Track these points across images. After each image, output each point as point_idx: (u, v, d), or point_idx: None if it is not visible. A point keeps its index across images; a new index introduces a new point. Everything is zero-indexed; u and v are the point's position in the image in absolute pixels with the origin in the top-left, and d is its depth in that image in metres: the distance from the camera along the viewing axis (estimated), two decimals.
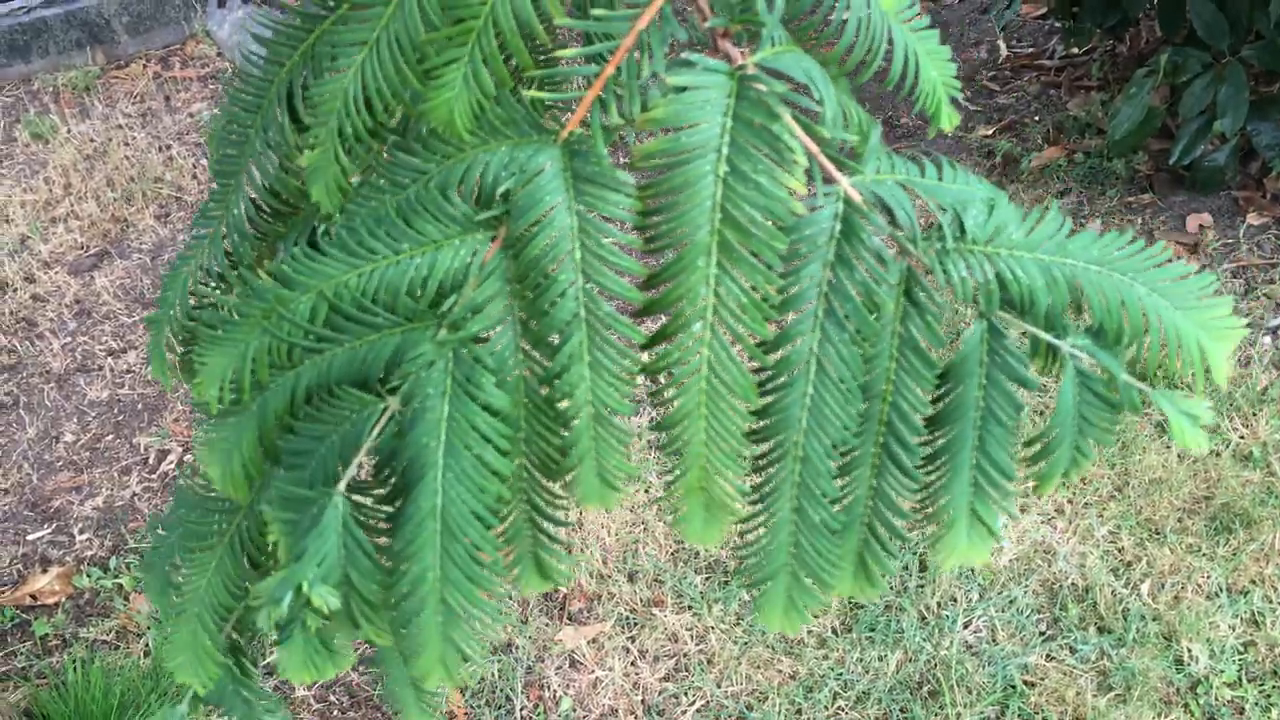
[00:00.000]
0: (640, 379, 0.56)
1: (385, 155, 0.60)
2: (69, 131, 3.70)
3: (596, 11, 0.55)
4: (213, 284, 0.74)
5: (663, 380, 0.55)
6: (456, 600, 0.56)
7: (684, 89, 0.54)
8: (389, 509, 0.57)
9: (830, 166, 0.59)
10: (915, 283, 0.60)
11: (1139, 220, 2.85)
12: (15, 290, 3.02)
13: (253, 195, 0.71)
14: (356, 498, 0.57)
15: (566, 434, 0.56)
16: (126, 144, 3.62)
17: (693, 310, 0.54)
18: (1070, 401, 0.63)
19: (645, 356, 0.56)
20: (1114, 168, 3.00)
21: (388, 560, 0.56)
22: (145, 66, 4.11)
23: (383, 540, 0.57)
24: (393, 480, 0.57)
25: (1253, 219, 2.80)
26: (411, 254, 0.56)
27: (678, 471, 0.56)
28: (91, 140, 3.65)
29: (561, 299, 0.54)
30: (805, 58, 0.58)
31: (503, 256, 0.56)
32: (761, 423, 0.58)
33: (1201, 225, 2.81)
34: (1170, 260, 0.64)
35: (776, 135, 0.54)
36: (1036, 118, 3.32)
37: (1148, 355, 0.63)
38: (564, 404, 0.55)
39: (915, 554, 2.08)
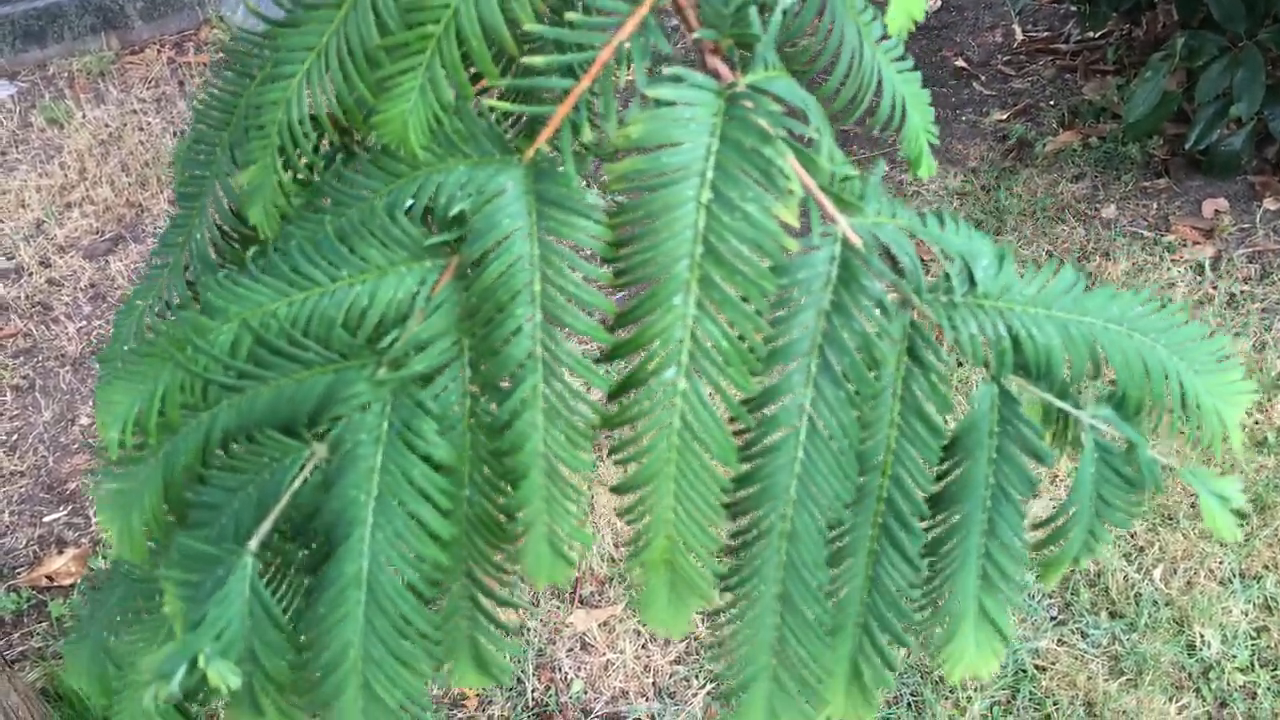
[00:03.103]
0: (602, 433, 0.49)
1: (328, 172, 0.53)
2: (84, 117, 3.69)
3: (572, 17, 0.49)
4: (171, 318, 0.67)
5: (628, 433, 0.48)
6: (382, 684, 0.48)
7: (666, 104, 0.48)
8: (308, 576, 0.49)
9: (828, 203, 0.52)
10: (920, 338, 0.54)
11: (1155, 205, 2.82)
12: (31, 275, 3.02)
13: (218, 220, 0.65)
14: (271, 557, 0.50)
15: (514, 493, 0.48)
16: (141, 129, 3.61)
17: (666, 354, 0.47)
18: (1088, 479, 0.56)
19: (610, 406, 0.49)
20: (1129, 152, 2.98)
21: (304, 633, 0.48)
22: (159, 51, 4.11)
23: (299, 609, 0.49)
24: (314, 540, 0.49)
25: (1269, 204, 2.78)
26: (350, 282, 0.49)
27: (640, 541, 0.48)
28: (106, 125, 3.65)
29: (516, 336, 0.47)
30: (798, 86, 0.52)
31: (454, 288, 0.49)
32: (742, 492, 0.51)
33: (1217, 210, 2.78)
34: (1187, 321, 0.58)
35: (769, 160, 0.47)
36: (1051, 102, 3.30)
37: (1168, 423, 0.56)
38: (514, 458, 0.48)
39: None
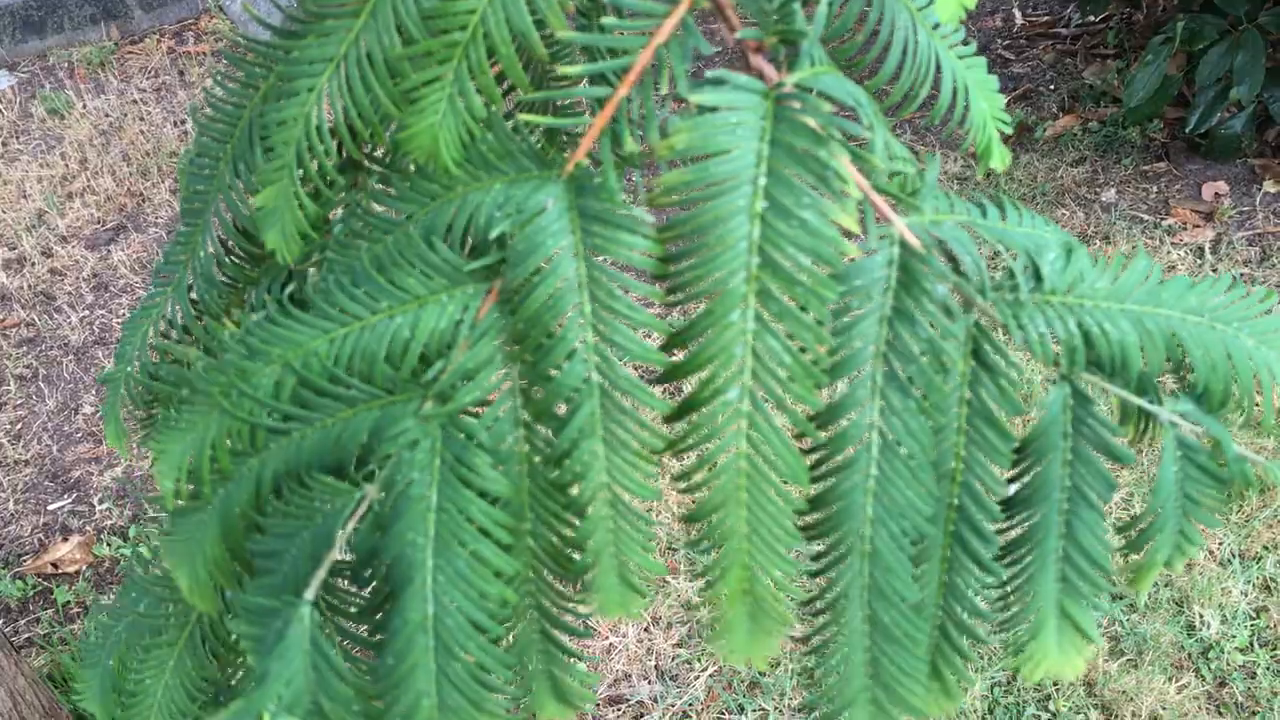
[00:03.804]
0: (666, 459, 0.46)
1: (360, 195, 0.51)
2: (84, 107, 3.71)
3: (607, 21, 0.46)
4: (176, 337, 0.65)
5: (692, 459, 0.46)
6: None
7: (711, 110, 0.45)
8: (372, 620, 0.47)
9: (883, 204, 0.50)
10: (985, 340, 0.51)
11: (1154, 189, 2.82)
12: (33, 265, 3.04)
13: (222, 236, 0.63)
14: (335, 602, 0.48)
15: (580, 525, 0.46)
16: (141, 119, 3.62)
17: (727, 374, 0.45)
18: (1171, 478, 0.54)
19: (670, 430, 0.47)
20: (1129, 136, 2.97)
21: (375, 685, 0.46)
22: (159, 41, 4.12)
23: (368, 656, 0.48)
24: (374, 585, 0.47)
25: (1269, 186, 2.78)
26: (390, 313, 0.47)
27: (715, 572, 0.46)
28: (107, 115, 3.66)
29: (569, 362, 0.45)
30: (848, 80, 0.49)
31: (498, 313, 0.47)
32: (818, 513, 0.48)
33: (1217, 193, 2.78)
34: (1273, 308, 0.55)
35: (824, 163, 0.45)
36: (1052, 86, 3.29)
37: (1260, 417, 0.54)
38: (575, 488, 0.46)
39: None
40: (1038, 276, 0.52)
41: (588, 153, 0.48)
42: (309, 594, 0.45)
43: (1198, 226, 2.68)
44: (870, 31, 0.54)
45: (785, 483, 0.45)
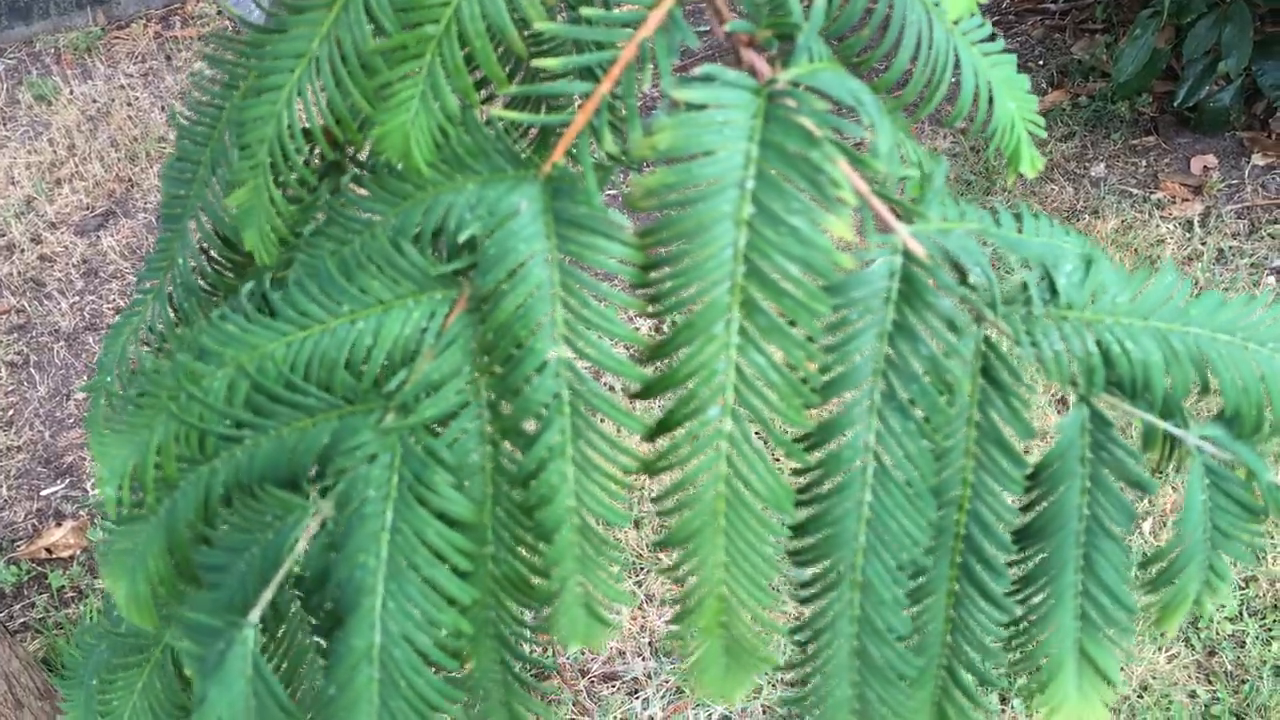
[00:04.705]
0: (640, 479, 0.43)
1: (332, 197, 0.48)
2: (71, 93, 3.70)
3: (587, 12, 0.43)
4: (154, 346, 0.63)
5: (668, 482, 0.43)
6: None
7: (698, 107, 0.42)
8: (320, 645, 0.44)
9: (885, 211, 0.46)
10: (996, 357, 0.47)
11: (1143, 163, 2.81)
12: (23, 251, 3.05)
13: (203, 244, 0.61)
14: (280, 625, 0.45)
15: (545, 550, 0.43)
16: (129, 104, 3.62)
17: (708, 391, 0.42)
18: (1199, 508, 0.50)
19: (646, 450, 0.43)
20: (1118, 111, 2.96)
21: (315, 714, 0.43)
22: (146, 26, 4.09)
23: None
24: (324, 606, 0.44)
25: (1258, 159, 2.77)
26: (352, 318, 0.44)
27: (689, 602, 0.42)
28: (94, 101, 3.66)
29: (538, 375, 0.42)
30: (851, 77, 0.46)
31: (468, 321, 0.44)
32: (805, 540, 0.45)
33: (1206, 167, 2.78)
34: None
35: (817, 166, 0.41)
36: (1040, 62, 3.26)
37: None
38: (541, 512, 0.42)
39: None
40: (1053, 290, 0.48)
41: (567, 152, 0.45)
42: (254, 615, 0.42)
43: (1187, 200, 2.69)
44: (878, 26, 0.50)
45: (769, 509, 0.42)
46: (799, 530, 0.44)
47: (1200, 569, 0.50)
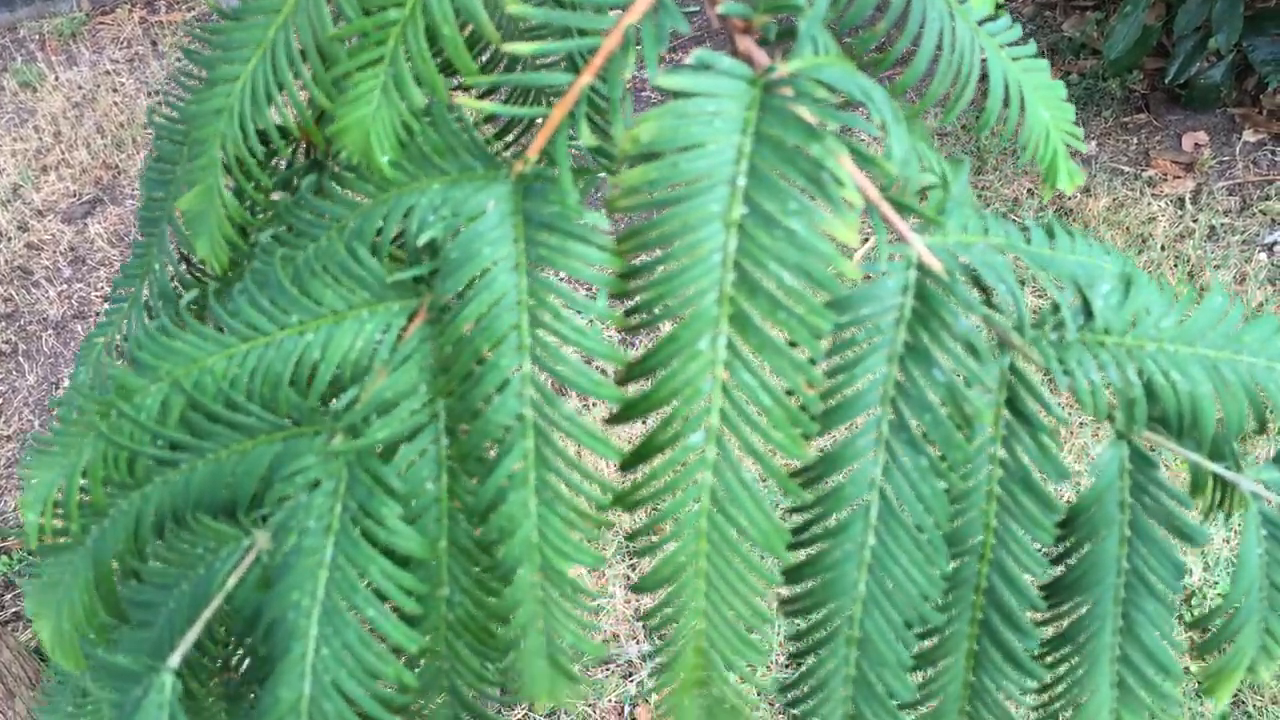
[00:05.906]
0: (614, 515, 0.38)
1: (290, 199, 0.44)
2: (57, 79, 3.70)
3: None
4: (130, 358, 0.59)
5: (645, 518, 0.37)
6: None
7: (684, 96, 0.37)
8: (250, 694, 0.39)
9: (896, 218, 0.41)
10: (1024, 387, 0.42)
11: (1135, 140, 2.79)
12: (9, 239, 3.03)
13: (181, 248, 0.57)
14: (209, 668, 0.40)
15: (505, 593, 0.38)
16: (115, 90, 3.61)
17: (691, 414, 0.37)
18: (1255, 562, 0.44)
19: (623, 481, 0.38)
20: (1109, 88, 2.94)
21: None
22: (131, 11, 4.09)
23: None
24: (257, 651, 0.39)
25: (1249, 135, 2.75)
26: (301, 329, 0.40)
27: (666, 654, 0.37)
28: (80, 87, 3.65)
29: (499, 394, 0.37)
30: (860, 74, 0.41)
31: (426, 335, 0.40)
32: (799, 587, 0.39)
33: (1197, 144, 2.76)
34: None
35: (818, 162, 0.37)
36: (1032, 40, 3.19)
37: None
38: (501, 548, 0.37)
39: None
40: (1089, 312, 0.43)
41: (542, 149, 0.41)
42: (174, 659, 0.38)
43: (1178, 177, 2.67)
44: (894, 22, 0.46)
45: (758, 550, 0.37)
46: (792, 575, 0.38)
47: (1256, 631, 0.44)
